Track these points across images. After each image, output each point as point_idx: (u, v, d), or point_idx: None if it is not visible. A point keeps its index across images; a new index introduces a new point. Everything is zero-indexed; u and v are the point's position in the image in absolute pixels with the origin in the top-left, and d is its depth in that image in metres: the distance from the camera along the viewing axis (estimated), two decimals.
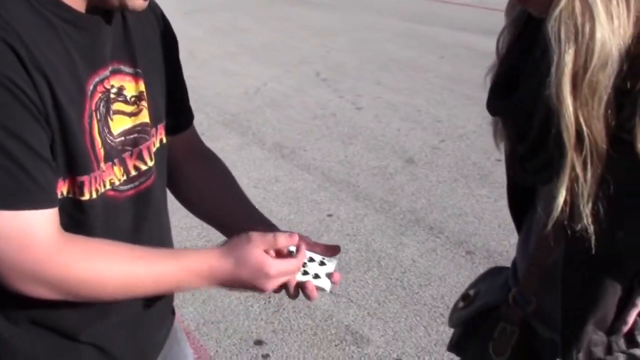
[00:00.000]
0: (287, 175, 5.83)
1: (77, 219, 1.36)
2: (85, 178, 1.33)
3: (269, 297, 4.09)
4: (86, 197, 1.35)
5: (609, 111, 1.30)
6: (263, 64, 9.31)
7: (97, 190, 1.37)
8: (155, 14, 1.59)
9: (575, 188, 1.35)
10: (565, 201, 1.38)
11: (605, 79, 1.26)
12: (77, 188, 1.33)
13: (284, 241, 1.42)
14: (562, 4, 1.23)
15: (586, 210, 1.36)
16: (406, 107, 7.42)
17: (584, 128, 1.29)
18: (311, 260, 1.52)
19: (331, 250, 1.56)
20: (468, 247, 4.61)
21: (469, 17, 11.71)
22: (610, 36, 1.23)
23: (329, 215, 5.11)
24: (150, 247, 1.40)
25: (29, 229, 1.23)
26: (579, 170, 1.32)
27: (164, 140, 1.60)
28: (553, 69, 1.27)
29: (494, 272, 1.94)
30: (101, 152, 1.37)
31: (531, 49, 1.43)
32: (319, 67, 9.05)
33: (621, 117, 1.30)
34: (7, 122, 1.18)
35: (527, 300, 1.64)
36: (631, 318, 1.55)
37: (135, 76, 1.47)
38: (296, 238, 1.46)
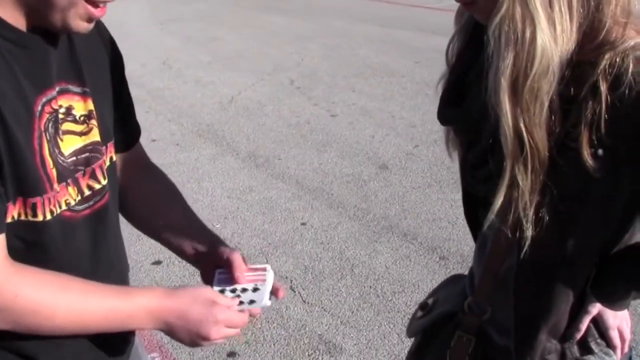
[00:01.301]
0: (261, 184, 5.82)
1: (33, 241, 1.35)
2: (37, 199, 1.32)
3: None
4: (39, 218, 1.34)
5: (554, 118, 1.30)
6: (237, 73, 9.30)
7: (52, 212, 1.36)
8: (99, 31, 1.58)
9: (515, 194, 1.35)
10: (508, 208, 1.38)
11: (546, 85, 1.26)
12: (29, 210, 1.32)
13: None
14: (503, 10, 1.24)
15: (528, 217, 1.36)
16: (381, 113, 7.42)
17: (525, 135, 1.29)
18: (244, 290, 1.54)
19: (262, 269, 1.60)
20: (442, 253, 4.61)
21: (443, 21, 11.68)
22: (551, 42, 1.24)
23: (303, 224, 5.11)
24: (101, 284, 1.39)
25: None
26: (518, 177, 1.32)
27: (114, 158, 1.59)
28: (491, 75, 1.28)
29: (453, 280, 1.94)
30: (53, 173, 1.36)
31: (479, 55, 1.43)
32: (293, 75, 9.04)
33: (567, 124, 1.31)
34: None
35: (483, 308, 1.64)
36: (584, 325, 1.55)
37: (84, 95, 1.46)
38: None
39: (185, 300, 1.40)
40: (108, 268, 1.56)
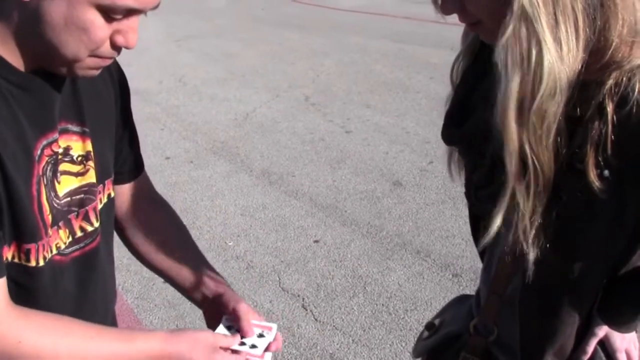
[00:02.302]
0: (274, 202, 5.81)
1: (23, 284, 1.33)
2: (32, 246, 1.31)
3: None
4: (32, 264, 1.33)
5: (560, 139, 1.28)
6: (252, 90, 9.31)
7: (44, 258, 1.35)
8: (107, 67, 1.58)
9: (515, 217, 1.33)
10: (509, 230, 1.37)
11: (554, 107, 1.24)
12: (23, 255, 1.31)
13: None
14: (509, 30, 1.21)
15: (528, 239, 1.34)
16: (395, 129, 7.41)
17: (530, 157, 1.27)
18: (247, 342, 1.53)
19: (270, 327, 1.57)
20: (455, 270, 4.58)
21: (457, 36, 11.69)
22: (558, 63, 1.21)
23: (316, 242, 5.10)
24: (103, 327, 1.38)
25: None
26: (519, 199, 1.30)
27: (112, 195, 1.58)
28: (500, 96, 1.25)
29: (460, 300, 1.93)
30: (49, 219, 1.35)
31: (484, 75, 1.42)
32: (308, 91, 9.04)
33: (573, 145, 1.29)
34: None
35: (489, 329, 1.62)
36: (591, 348, 1.53)
37: (83, 135, 1.45)
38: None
39: (186, 345, 1.38)
40: (92, 309, 1.54)
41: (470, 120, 1.45)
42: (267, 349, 1.50)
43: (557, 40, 1.21)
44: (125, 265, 4.55)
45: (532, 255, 1.35)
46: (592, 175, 1.26)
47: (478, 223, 1.68)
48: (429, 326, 1.86)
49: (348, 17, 14.51)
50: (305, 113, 8.18)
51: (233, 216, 5.58)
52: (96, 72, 1.35)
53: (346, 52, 11.20)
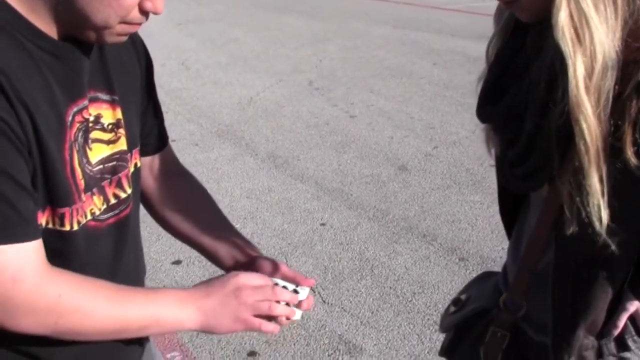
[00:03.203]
0: (280, 185, 5.82)
1: (58, 250, 1.34)
2: (66, 210, 1.32)
3: None
4: (67, 228, 1.34)
5: (607, 115, 1.31)
6: (256, 74, 9.32)
7: (78, 222, 1.36)
8: (131, 38, 1.56)
9: (566, 191, 1.35)
10: (554, 205, 1.39)
11: (608, 81, 1.27)
12: (57, 219, 1.32)
13: (260, 281, 1.44)
14: (563, 9, 1.24)
15: (574, 213, 1.36)
16: (399, 114, 7.42)
17: (592, 131, 1.29)
18: (284, 288, 1.50)
19: (306, 282, 1.55)
20: (461, 254, 4.60)
21: (461, 23, 11.74)
22: (606, 39, 1.24)
23: (322, 225, 5.11)
24: (138, 288, 1.40)
25: (18, 263, 1.21)
26: (579, 175, 1.32)
27: (138, 164, 1.59)
28: (570, 74, 1.26)
29: (485, 277, 1.94)
30: (82, 183, 1.36)
31: (520, 53, 1.43)
32: (311, 76, 9.05)
33: (612, 124, 1.31)
34: None
35: (518, 304, 1.63)
36: (622, 322, 1.55)
37: (112, 103, 1.46)
38: (280, 267, 1.51)
39: (214, 286, 1.39)
40: (125, 275, 1.55)
41: (505, 99, 1.46)
42: (297, 306, 1.49)
43: (601, 17, 1.24)
44: None
45: (570, 228, 1.37)
46: (629, 152, 1.28)
47: (509, 200, 1.71)
48: (456, 301, 1.87)
49: (350, 4, 14.52)
50: (309, 98, 8.19)
51: (239, 199, 5.59)
52: (124, 39, 1.37)
53: (349, 37, 11.20)
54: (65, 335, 1.31)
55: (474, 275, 4.15)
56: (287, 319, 1.48)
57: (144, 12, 1.32)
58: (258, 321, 1.41)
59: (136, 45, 1.60)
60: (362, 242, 4.84)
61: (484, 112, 1.56)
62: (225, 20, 13.33)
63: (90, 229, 1.40)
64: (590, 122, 1.28)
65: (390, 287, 4.28)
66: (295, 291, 1.51)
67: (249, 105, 8.00)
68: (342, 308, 4.08)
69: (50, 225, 1.32)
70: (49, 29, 1.29)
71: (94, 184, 1.40)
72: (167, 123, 6.04)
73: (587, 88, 1.26)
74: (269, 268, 1.58)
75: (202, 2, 15.30)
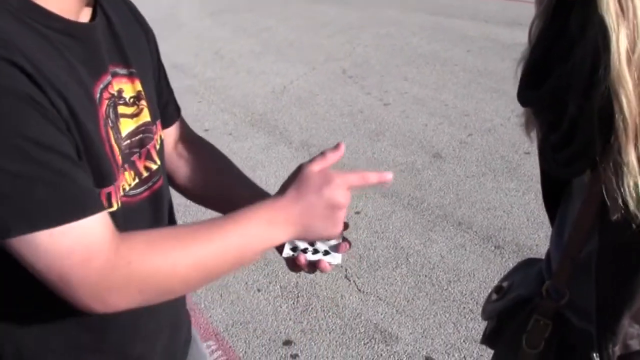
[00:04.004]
0: None
1: None
2: (111, 189, 1.31)
3: (297, 297, 4.10)
4: (114, 207, 1.32)
5: None
6: (289, 63, 9.31)
7: (119, 199, 1.35)
8: (132, 13, 1.59)
9: (611, 175, 1.32)
10: (599, 189, 1.36)
11: None
12: (105, 201, 1.29)
13: (332, 156, 1.38)
14: None
15: (618, 198, 1.33)
16: (433, 101, 7.38)
17: (632, 107, 1.26)
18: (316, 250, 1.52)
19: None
20: (497, 242, 4.57)
21: (494, 8, 11.62)
22: None
23: (357, 213, 5.10)
24: (209, 223, 1.31)
25: (87, 239, 1.16)
26: (624, 156, 1.29)
27: (163, 137, 1.59)
28: (613, 48, 1.23)
29: (528, 264, 1.92)
30: (120, 160, 1.35)
31: (563, 34, 1.40)
32: (344, 64, 9.02)
33: None
34: (40, 137, 1.12)
35: (561, 292, 1.61)
36: None
37: (131, 77, 1.45)
38: (342, 148, 1.43)
39: (292, 190, 1.32)
40: None
41: (548, 82, 1.43)
42: (336, 250, 1.48)
43: None
44: None
45: (615, 214, 1.34)
46: None
47: (551, 186, 1.68)
48: (498, 289, 1.86)
49: None
50: (342, 86, 8.17)
51: (274, 187, 5.46)
52: None
53: (382, 25, 11.15)
54: (160, 298, 1.28)
55: (510, 263, 4.16)
56: (330, 264, 1.45)
57: None
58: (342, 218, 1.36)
59: (138, 17, 1.60)
60: (397, 231, 4.83)
61: (525, 95, 1.52)
62: (258, 10, 13.33)
63: (125, 205, 1.38)
64: (630, 97, 1.24)
65: (426, 276, 4.27)
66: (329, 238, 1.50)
67: (283, 94, 8.00)
68: (377, 297, 4.07)
69: None
70: (61, 8, 1.27)
71: (125, 159, 1.39)
72: (201, 113, 6.16)
73: (629, 62, 1.23)
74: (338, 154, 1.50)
75: None
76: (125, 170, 1.40)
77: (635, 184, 1.30)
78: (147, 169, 1.48)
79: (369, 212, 5.11)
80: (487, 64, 8.44)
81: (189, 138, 1.79)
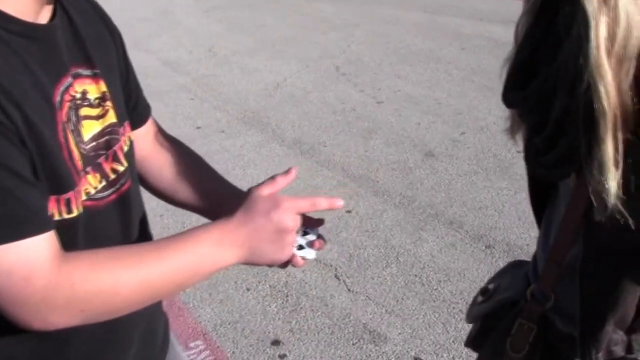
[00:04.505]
0: (306, 171, 5.79)
1: (65, 241, 1.29)
2: (70, 194, 1.28)
3: (287, 296, 4.08)
4: (74, 213, 1.30)
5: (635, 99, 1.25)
6: (283, 60, 9.28)
7: (79, 205, 1.32)
8: (96, 12, 1.56)
9: (596, 177, 1.28)
10: (584, 192, 1.33)
11: (632, 49, 1.21)
12: (64, 207, 1.28)
13: (282, 180, 1.38)
14: None
15: (603, 202, 1.30)
16: (427, 99, 7.36)
17: (618, 103, 1.23)
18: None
19: (315, 222, 1.51)
20: (488, 241, 4.56)
21: (489, 7, 11.59)
22: (630, 7, 1.19)
23: (348, 212, 5.08)
24: (156, 243, 1.32)
25: (28, 261, 1.15)
26: (604, 155, 1.25)
27: (132, 138, 1.57)
28: (592, 36, 1.20)
29: (515, 266, 1.91)
30: (80, 164, 1.33)
31: (549, 34, 1.37)
32: (338, 62, 8.99)
33: None
34: None
35: (546, 296, 1.60)
36: None
37: (95, 77, 1.43)
38: (293, 173, 1.42)
39: (241, 213, 1.32)
40: None
41: (534, 82, 1.40)
42: (311, 246, 1.47)
43: None
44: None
45: (598, 217, 1.31)
46: None
47: (538, 189, 1.66)
48: (483, 291, 1.84)
49: None
50: (336, 83, 8.14)
51: None
52: None
53: (378, 22, 11.12)
54: (101, 318, 1.27)
55: (500, 262, 4.14)
56: (303, 259, 1.44)
57: None
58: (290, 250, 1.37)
59: (102, 16, 1.57)
60: (387, 230, 4.81)
61: (511, 96, 1.49)
62: (256, 6, 13.28)
63: (89, 209, 1.36)
64: (609, 88, 1.21)
65: (416, 275, 4.25)
66: (305, 232, 1.49)
67: (276, 92, 7.97)
68: (367, 296, 4.05)
69: (56, 217, 1.27)
70: (17, 10, 1.24)
71: (88, 162, 1.37)
72: (193, 110, 6.13)
73: (608, 53, 1.20)
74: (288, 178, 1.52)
75: None
76: (88, 173, 1.37)
77: (612, 177, 1.26)
78: (114, 171, 1.45)
79: (360, 210, 5.09)
80: (481, 62, 8.41)
81: (160, 138, 1.76)
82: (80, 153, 1.34)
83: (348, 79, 8.26)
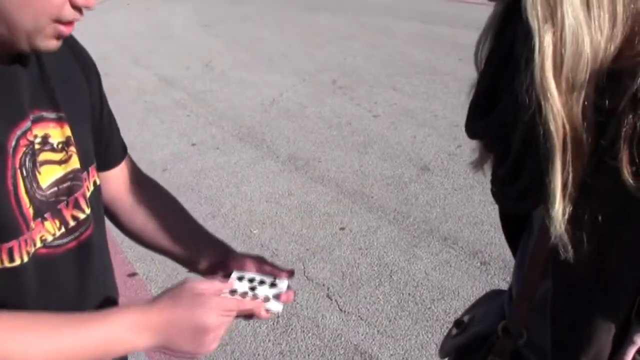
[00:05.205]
0: (300, 188, 5.74)
1: (8, 290, 1.26)
2: (14, 243, 1.24)
3: (277, 317, 4.01)
4: (17, 262, 1.25)
5: (590, 127, 1.16)
6: (280, 74, 9.25)
7: (27, 253, 1.28)
8: (71, 49, 1.50)
9: (555, 209, 1.20)
10: (546, 225, 1.26)
11: (581, 74, 1.12)
12: (5, 256, 1.24)
13: (220, 285, 1.35)
14: None
15: (559, 236, 1.22)
16: (423, 112, 7.31)
17: (567, 125, 1.15)
18: (262, 282, 1.48)
19: (285, 273, 1.51)
20: (483, 258, 4.49)
21: (486, 16, 11.53)
22: (584, 30, 1.09)
23: (342, 229, 5.02)
24: (78, 314, 1.27)
25: None
26: (555, 186, 1.17)
27: (98, 182, 1.52)
28: (536, 51, 1.10)
29: (492, 297, 1.83)
30: (30, 212, 1.27)
31: (510, 54, 1.29)
32: (335, 75, 8.96)
33: (605, 139, 1.17)
34: None
35: (519, 331, 1.53)
36: (629, 357, 1.43)
37: (60, 121, 1.38)
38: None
39: (166, 301, 1.28)
40: (96, 298, 1.49)
41: (496, 110, 1.32)
42: (278, 298, 1.44)
43: (586, 6, 1.10)
44: (149, 254, 4.50)
45: (562, 254, 1.24)
46: (627, 172, 1.13)
47: (509, 221, 1.58)
48: (458, 323, 1.76)
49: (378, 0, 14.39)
50: (332, 97, 8.10)
51: (258, 203, 5.52)
52: (58, 43, 1.27)
53: (374, 34, 11.09)
54: None
55: (496, 279, 4.07)
56: (268, 311, 1.42)
57: (76, 8, 1.22)
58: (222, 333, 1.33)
59: (80, 58, 1.52)
60: (381, 247, 4.75)
61: (473, 126, 1.42)
62: (253, 20, 13.27)
63: (42, 257, 1.32)
64: (556, 113, 1.11)
65: (409, 294, 4.18)
66: (273, 284, 1.47)
67: (272, 107, 7.93)
68: (358, 316, 3.99)
69: None
70: None
71: (46, 208, 1.32)
72: (189, 127, 6.09)
73: (555, 74, 1.10)
74: (246, 264, 1.53)
75: (229, 3, 15.26)
76: (45, 220, 1.33)
77: (560, 208, 1.19)
78: (74, 218, 1.41)
79: (353, 227, 5.03)
80: None
81: (135, 179, 1.72)
82: (32, 199, 1.29)
83: (344, 92, 8.22)
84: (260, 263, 1.54)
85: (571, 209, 1.18)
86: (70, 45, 1.50)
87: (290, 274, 1.50)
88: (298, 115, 7.57)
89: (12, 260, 1.25)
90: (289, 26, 12.40)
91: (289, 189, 5.74)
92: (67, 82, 1.44)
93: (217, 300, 1.30)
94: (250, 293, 1.44)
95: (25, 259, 1.27)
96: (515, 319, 1.52)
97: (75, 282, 1.42)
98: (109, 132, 1.62)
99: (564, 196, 1.17)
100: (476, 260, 4.48)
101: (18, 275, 1.27)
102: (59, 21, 1.21)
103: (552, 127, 1.12)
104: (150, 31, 12.58)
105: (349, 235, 4.93)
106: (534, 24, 1.11)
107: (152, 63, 10.30)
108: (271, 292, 1.45)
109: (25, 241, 1.27)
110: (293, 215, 5.28)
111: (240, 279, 1.47)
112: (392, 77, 8.65)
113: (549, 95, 1.11)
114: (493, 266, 4.38)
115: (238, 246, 4.77)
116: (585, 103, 1.13)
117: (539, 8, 1.10)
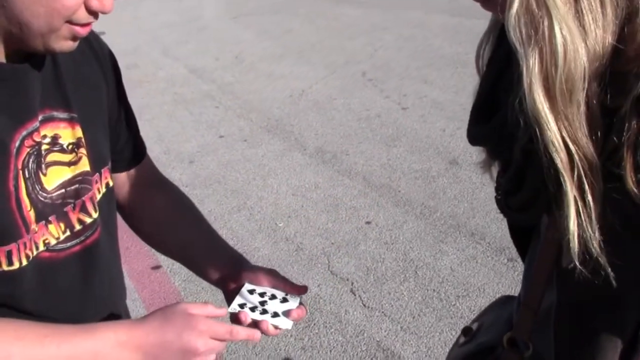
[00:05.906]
0: (327, 181, 5.70)
1: (8, 292, 1.24)
2: (12, 246, 1.22)
3: None
4: (15, 266, 1.23)
5: (597, 132, 1.10)
6: (310, 66, 9.20)
7: (27, 257, 1.25)
8: (91, 48, 1.46)
9: (565, 220, 1.15)
10: (552, 236, 1.21)
11: (578, 83, 1.06)
12: (3, 259, 1.21)
13: (213, 310, 1.30)
14: (517, 1, 1.05)
15: (574, 246, 1.17)
16: (453, 105, 7.22)
17: (570, 143, 1.08)
18: (273, 297, 1.45)
19: (298, 290, 1.48)
20: (510, 254, 4.42)
21: None
22: (574, 36, 1.02)
23: (368, 223, 4.98)
24: (63, 325, 1.24)
25: None
26: (577, 195, 1.10)
27: (110, 184, 1.49)
28: (523, 75, 1.05)
29: (502, 303, 1.78)
30: (30, 215, 1.25)
31: (509, 62, 1.23)
32: (365, 67, 8.89)
33: (607, 146, 1.11)
34: None
35: (525, 344, 1.48)
36: None
37: (71, 121, 1.35)
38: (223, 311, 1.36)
39: (156, 321, 1.25)
40: (99, 302, 1.46)
41: (497, 115, 1.27)
42: (288, 315, 1.41)
43: (576, 13, 1.04)
44: None
45: (565, 264, 1.19)
46: (630, 181, 1.08)
47: (517, 228, 1.52)
48: (466, 331, 1.72)
49: None
50: (361, 89, 8.04)
51: (285, 196, 5.49)
52: (74, 44, 1.24)
53: (406, 26, 11.00)
54: None
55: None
56: (277, 328, 1.39)
57: (92, 12, 1.20)
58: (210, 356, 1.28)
59: (100, 58, 1.49)
60: (407, 242, 4.69)
61: (474, 132, 1.37)
62: (284, 12, 13.23)
63: (44, 260, 1.29)
64: (551, 128, 1.06)
65: (434, 290, 4.13)
66: (285, 299, 1.44)
67: (301, 99, 7.89)
68: (382, 312, 3.94)
69: None
70: None
71: (51, 211, 1.30)
72: (217, 119, 6.07)
73: (547, 91, 1.05)
74: (259, 277, 1.49)
75: None
76: (49, 223, 1.30)
77: (564, 233, 1.13)
78: (80, 222, 1.38)
79: (379, 221, 4.98)
80: None
81: (151, 182, 1.69)
82: (33, 202, 1.26)
83: (374, 85, 8.16)
84: (274, 277, 1.50)
85: (585, 219, 1.12)
86: (90, 42, 1.47)
87: (303, 290, 1.48)
88: (327, 107, 7.53)
89: (10, 263, 1.23)
90: (320, 18, 12.34)
91: (315, 182, 5.71)
92: (83, 82, 1.42)
93: (208, 325, 1.26)
94: (259, 307, 1.41)
95: (25, 262, 1.25)
96: (520, 330, 1.47)
97: (78, 287, 1.40)
98: (126, 135, 1.60)
99: (577, 210, 1.11)
100: (503, 256, 4.41)
101: (16, 279, 1.25)
102: (73, 23, 1.19)
103: (553, 154, 1.07)
104: (180, 22, 12.59)
105: (375, 230, 4.88)
106: (519, 47, 1.05)
107: (182, 54, 10.31)
108: (281, 308, 1.42)
109: (25, 244, 1.24)
110: (319, 209, 5.25)
111: (251, 292, 1.45)
112: (422, 69, 8.57)
113: (543, 122, 1.06)
114: (520, 262, 4.27)
115: (263, 239, 4.77)
116: (588, 108, 1.07)
117: (522, 28, 1.04)
